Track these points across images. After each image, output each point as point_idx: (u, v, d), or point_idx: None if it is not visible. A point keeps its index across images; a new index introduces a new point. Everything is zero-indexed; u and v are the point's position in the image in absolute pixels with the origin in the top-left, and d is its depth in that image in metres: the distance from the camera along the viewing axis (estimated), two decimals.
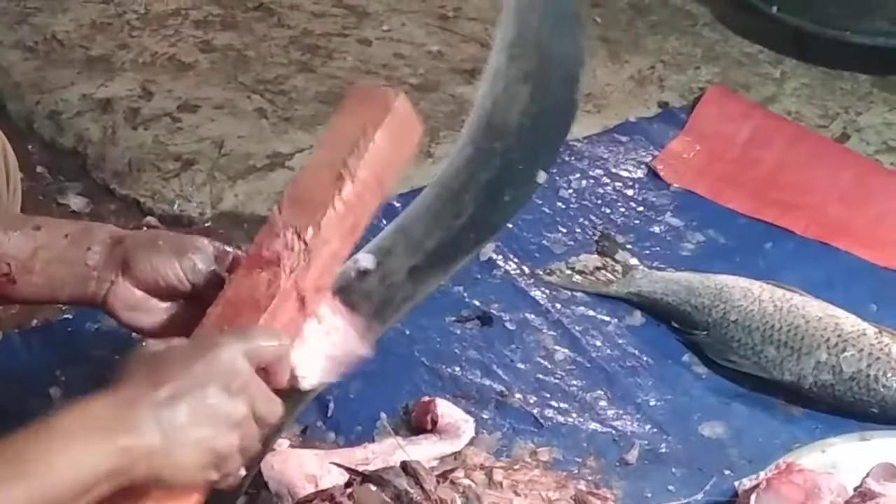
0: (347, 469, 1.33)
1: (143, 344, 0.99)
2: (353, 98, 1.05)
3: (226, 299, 1.01)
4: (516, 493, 1.32)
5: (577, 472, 1.39)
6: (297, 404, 1.21)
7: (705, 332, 1.55)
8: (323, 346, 1.03)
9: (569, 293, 1.66)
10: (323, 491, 1.29)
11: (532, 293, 1.65)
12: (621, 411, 1.48)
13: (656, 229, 1.78)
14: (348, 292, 1.18)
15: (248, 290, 1.00)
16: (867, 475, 1.33)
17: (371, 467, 1.32)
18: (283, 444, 1.37)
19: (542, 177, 1.18)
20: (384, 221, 1.73)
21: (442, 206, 1.17)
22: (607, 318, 1.62)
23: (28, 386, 1.46)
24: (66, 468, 0.87)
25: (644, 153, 1.95)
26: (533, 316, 1.61)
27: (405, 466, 1.32)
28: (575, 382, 1.52)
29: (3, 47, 2.22)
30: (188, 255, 1.08)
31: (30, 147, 1.96)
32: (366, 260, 1.17)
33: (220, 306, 1.00)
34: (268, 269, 0.99)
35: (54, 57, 2.19)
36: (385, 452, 1.37)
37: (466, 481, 1.34)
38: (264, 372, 0.96)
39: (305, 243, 0.99)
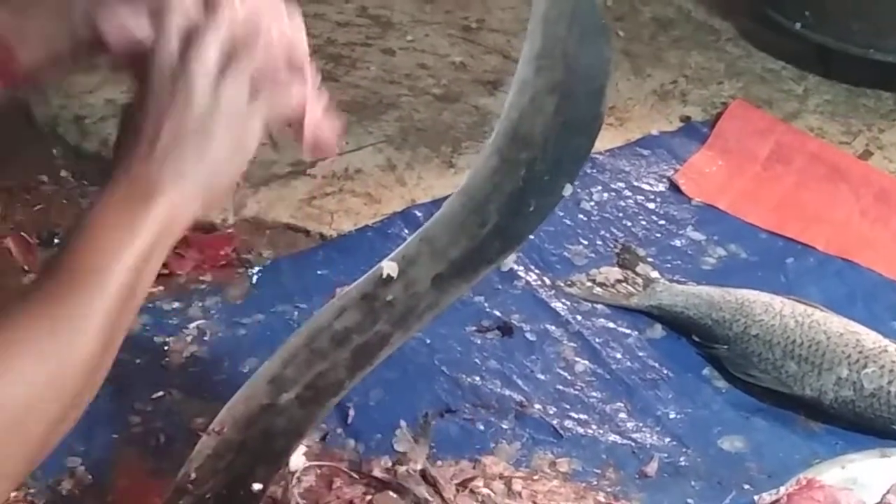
0: (367, 476, 1.33)
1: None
2: None
3: None
4: None
5: (595, 483, 1.39)
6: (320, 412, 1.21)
7: (726, 346, 1.55)
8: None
9: (589, 305, 1.66)
10: (342, 498, 1.30)
11: (553, 304, 1.65)
12: (641, 424, 1.48)
13: (677, 243, 1.78)
14: (371, 300, 1.19)
15: None
16: (888, 492, 1.33)
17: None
18: (301, 449, 1.37)
19: (567, 189, 1.18)
20: (407, 231, 1.76)
21: (466, 215, 1.17)
22: (628, 331, 1.62)
23: None
24: (115, 268, 0.87)
25: (666, 167, 1.95)
26: (553, 327, 1.62)
27: (425, 474, 1.33)
28: (595, 394, 1.52)
29: None
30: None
31: (54, 151, 1.97)
32: (389, 268, 1.18)
33: None
34: None
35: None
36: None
37: (485, 490, 1.35)
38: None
39: None
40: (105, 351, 0.89)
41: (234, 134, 0.95)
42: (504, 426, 1.46)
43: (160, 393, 1.46)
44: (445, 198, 1.19)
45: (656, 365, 1.56)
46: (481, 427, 1.46)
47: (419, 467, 1.34)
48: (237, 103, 0.95)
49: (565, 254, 1.75)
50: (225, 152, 0.95)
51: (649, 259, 1.73)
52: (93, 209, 0.90)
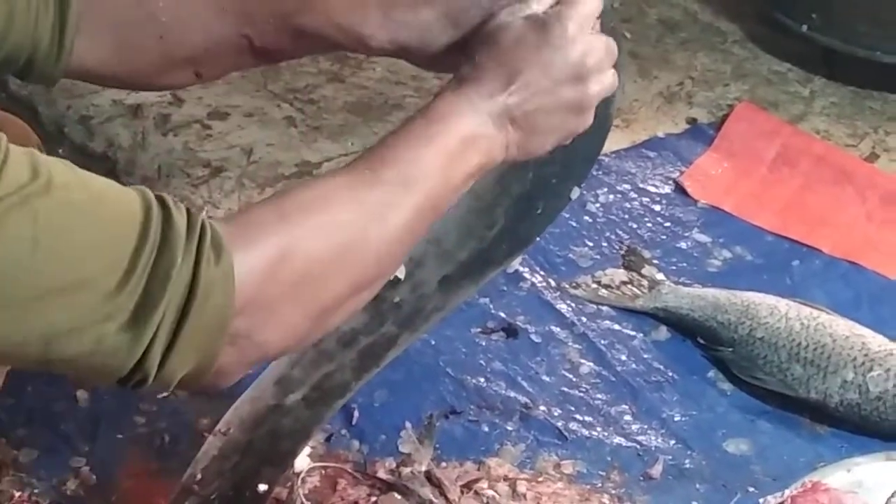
0: (372, 477, 1.34)
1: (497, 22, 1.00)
2: None
3: None
4: None
5: (600, 485, 1.39)
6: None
7: (731, 349, 1.55)
8: None
9: (595, 307, 1.66)
10: (346, 499, 1.30)
11: (558, 306, 1.65)
12: (646, 426, 1.48)
13: (683, 245, 1.78)
14: (378, 301, 1.19)
15: None
16: (892, 495, 1.32)
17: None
18: (306, 450, 1.37)
19: (575, 192, 1.18)
20: None
21: (475, 217, 1.17)
22: (633, 333, 1.62)
23: (55, 389, 1.47)
24: (440, 178, 0.94)
25: (672, 169, 1.95)
26: (558, 329, 1.62)
27: (429, 476, 1.33)
28: (600, 396, 1.52)
29: None
30: None
31: (60, 151, 1.97)
32: (397, 269, 1.18)
33: None
34: None
35: None
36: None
37: (490, 492, 1.35)
38: None
39: None
40: (410, 232, 0.94)
41: (572, 120, 1.02)
42: (509, 428, 1.46)
43: (165, 393, 1.46)
44: None
45: (661, 367, 1.56)
46: (486, 428, 1.46)
47: (424, 469, 1.34)
48: (589, 99, 1.01)
49: (571, 255, 1.75)
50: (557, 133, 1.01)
51: (655, 261, 1.73)
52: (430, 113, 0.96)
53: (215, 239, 0.81)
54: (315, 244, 0.87)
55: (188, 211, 0.82)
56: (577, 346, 1.59)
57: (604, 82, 1.01)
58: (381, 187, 0.90)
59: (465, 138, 0.95)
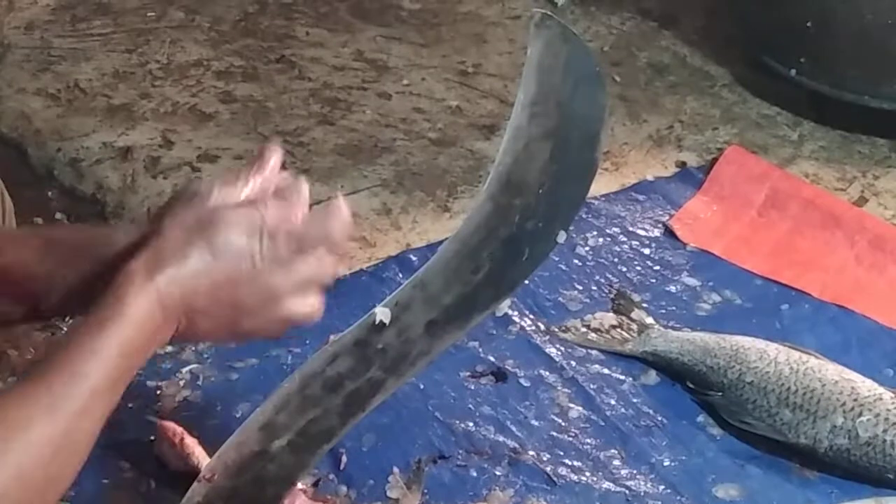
0: None
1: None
2: None
3: None
4: None
5: None
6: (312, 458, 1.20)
7: (720, 393, 1.54)
8: None
9: (584, 351, 1.65)
10: None
11: (547, 350, 1.65)
12: (635, 471, 1.47)
13: (672, 289, 1.78)
14: (364, 346, 1.19)
15: None
16: None
17: None
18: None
19: (561, 236, 1.18)
20: (402, 275, 1.75)
21: (460, 261, 1.17)
22: (622, 377, 1.61)
23: None
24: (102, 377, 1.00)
25: (661, 212, 1.95)
26: (547, 373, 1.61)
27: None
28: (589, 441, 1.51)
29: (25, 94, 2.24)
30: None
31: (49, 193, 1.97)
32: (382, 314, 1.17)
33: None
34: None
35: (76, 105, 2.21)
36: None
37: None
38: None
39: None
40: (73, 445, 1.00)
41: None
42: (497, 473, 1.45)
43: (151, 437, 1.45)
44: (441, 242, 1.19)
45: (651, 412, 1.56)
46: (474, 473, 1.45)
47: None
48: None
49: (560, 299, 1.74)
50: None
51: (644, 305, 1.73)
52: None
53: None
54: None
55: None
56: (566, 390, 1.58)
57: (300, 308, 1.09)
58: (61, 419, 0.96)
59: (138, 345, 1.02)
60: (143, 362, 1.03)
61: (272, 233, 1.05)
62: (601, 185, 1.98)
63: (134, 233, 1.10)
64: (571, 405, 1.56)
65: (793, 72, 2.18)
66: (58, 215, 1.92)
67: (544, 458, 1.48)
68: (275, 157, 1.14)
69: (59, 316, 1.16)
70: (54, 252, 1.11)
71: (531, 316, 1.70)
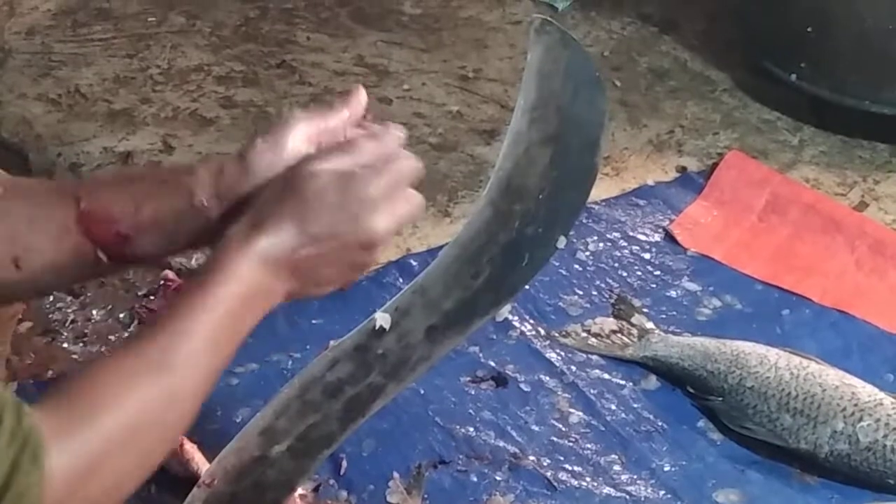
0: None
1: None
2: None
3: None
4: None
5: None
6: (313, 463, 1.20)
7: (721, 398, 1.54)
8: None
9: (584, 356, 1.65)
10: None
11: (547, 355, 1.65)
12: (635, 476, 1.47)
13: (673, 294, 1.78)
14: (364, 351, 1.19)
15: None
16: None
17: None
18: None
19: (561, 241, 1.18)
20: (402, 280, 1.75)
21: (460, 266, 1.17)
22: (622, 382, 1.61)
23: None
24: (216, 352, 1.00)
25: (661, 217, 1.95)
26: (548, 378, 1.61)
27: None
28: (589, 446, 1.51)
29: (26, 99, 2.24)
30: None
31: None
32: (382, 319, 1.17)
33: None
34: None
35: (77, 110, 2.21)
36: None
37: None
38: None
39: None
40: (193, 412, 1.00)
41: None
42: (498, 478, 1.45)
43: None
44: (441, 247, 1.19)
45: (651, 417, 1.56)
46: (475, 478, 1.45)
47: None
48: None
49: (560, 304, 1.74)
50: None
51: (644, 310, 1.73)
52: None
53: (35, 444, 0.86)
54: (122, 461, 0.94)
55: (20, 411, 0.86)
56: (566, 395, 1.58)
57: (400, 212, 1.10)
58: (170, 373, 0.97)
59: (243, 301, 1.01)
60: (253, 322, 1.03)
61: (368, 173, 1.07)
62: (601, 190, 1.98)
63: (213, 166, 1.09)
64: (572, 410, 1.56)
65: (793, 76, 2.18)
66: None
67: (545, 463, 1.48)
68: (363, 97, 1.15)
69: (152, 259, 1.12)
70: (135, 190, 1.09)
71: (531, 321, 1.70)
